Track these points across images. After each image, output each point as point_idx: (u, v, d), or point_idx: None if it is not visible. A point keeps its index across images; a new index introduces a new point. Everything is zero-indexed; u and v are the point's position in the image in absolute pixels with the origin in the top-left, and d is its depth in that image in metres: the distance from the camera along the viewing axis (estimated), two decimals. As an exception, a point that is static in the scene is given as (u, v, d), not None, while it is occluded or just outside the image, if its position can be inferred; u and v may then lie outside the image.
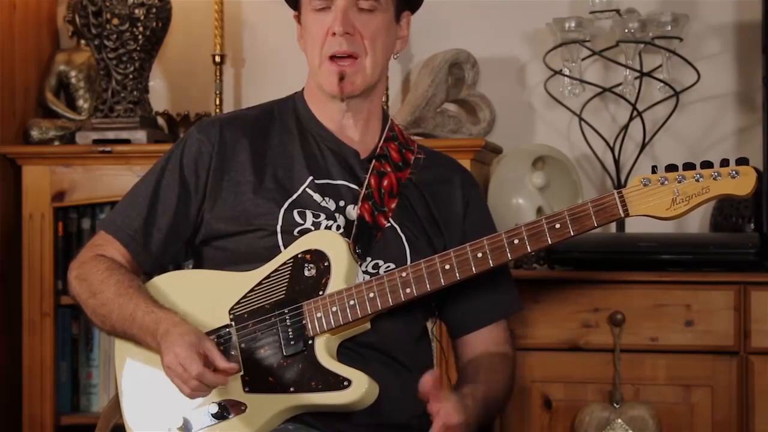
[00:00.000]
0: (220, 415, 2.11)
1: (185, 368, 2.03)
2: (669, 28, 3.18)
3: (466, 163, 2.65)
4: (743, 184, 2.06)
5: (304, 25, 2.24)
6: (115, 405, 2.23)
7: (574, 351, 2.86)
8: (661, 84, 3.22)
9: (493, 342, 2.29)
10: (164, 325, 2.10)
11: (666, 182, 2.07)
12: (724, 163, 2.07)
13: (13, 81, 3.38)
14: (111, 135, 3.26)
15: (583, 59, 3.28)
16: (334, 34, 2.17)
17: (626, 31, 3.19)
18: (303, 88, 2.32)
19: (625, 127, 3.24)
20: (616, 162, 3.23)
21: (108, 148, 3.21)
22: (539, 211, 3.18)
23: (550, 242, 2.10)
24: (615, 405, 2.81)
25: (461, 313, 2.28)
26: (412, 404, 2.22)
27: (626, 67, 3.22)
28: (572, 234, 2.09)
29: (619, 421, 2.79)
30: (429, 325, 2.36)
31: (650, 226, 3.07)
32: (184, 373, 2.04)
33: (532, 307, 2.85)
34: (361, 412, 2.11)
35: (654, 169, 2.09)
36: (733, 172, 2.05)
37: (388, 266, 2.18)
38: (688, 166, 2.07)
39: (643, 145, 3.22)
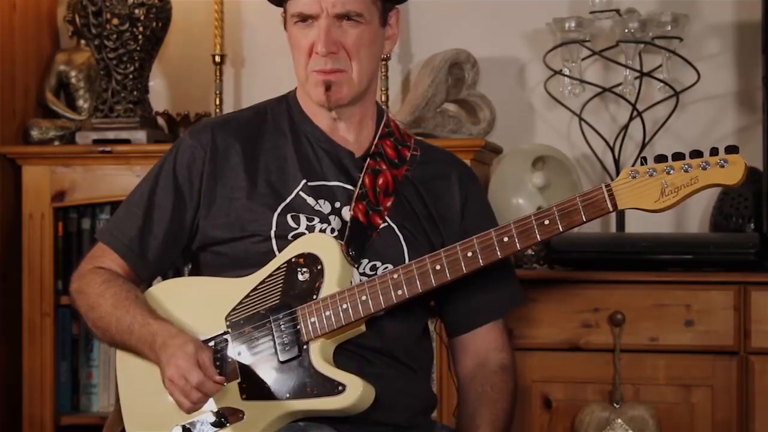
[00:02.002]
0: (218, 423, 2.11)
1: (187, 379, 2.04)
2: (669, 28, 3.18)
3: (465, 163, 2.65)
4: (732, 173, 2.02)
5: (289, 33, 2.22)
6: (118, 414, 2.23)
7: (574, 351, 2.86)
8: (661, 84, 3.22)
9: (491, 347, 2.27)
10: (161, 338, 2.10)
11: (654, 174, 2.04)
12: (714, 152, 2.03)
13: (13, 81, 3.38)
14: (111, 135, 3.26)
15: (583, 59, 3.28)
16: (317, 52, 2.16)
17: (626, 31, 3.19)
18: (296, 88, 2.31)
19: (625, 127, 3.24)
20: (616, 162, 3.23)
21: (108, 148, 3.21)
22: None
23: (539, 239, 2.09)
24: (615, 405, 2.81)
25: (458, 311, 2.27)
26: (416, 403, 2.22)
27: (626, 67, 3.22)
28: (561, 230, 2.08)
29: (619, 421, 2.79)
30: (429, 324, 2.35)
31: (650, 225, 3.08)
32: (186, 384, 2.04)
33: (532, 307, 2.85)
34: (366, 410, 2.10)
35: (643, 161, 2.07)
36: (722, 161, 2.02)
37: (386, 267, 2.17)
38: (677, 157, 2.04)
39: (643, 145, 3.22)
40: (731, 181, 2.03)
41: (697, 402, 2.80)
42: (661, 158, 2.05)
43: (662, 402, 2.81)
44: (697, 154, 2.04)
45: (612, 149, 3.24)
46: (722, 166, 2.02)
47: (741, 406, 2.78)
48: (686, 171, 2.03)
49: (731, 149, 2.03)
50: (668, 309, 2.82)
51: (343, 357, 2.13)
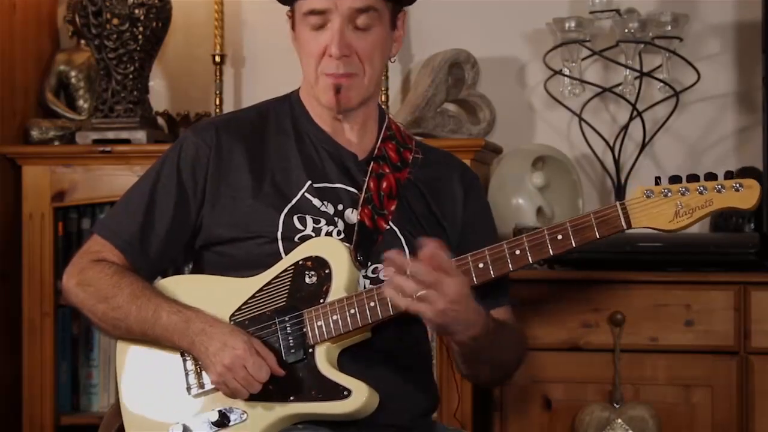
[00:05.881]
0: (220, 423, 2.11)
1: (254, 375, 2.05)
2: (669, 28, 3.18)
3: (466, 164, 2.65)
4: (747, 198, 2.04)
5: (298, 35, 2.21)
6: (117, 411, 2.22)
7: (574, 351, 2.86)
8: (661, 84, 3.22)
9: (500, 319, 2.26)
10: (197, 323, 2.10)
11: (669, 194, 2.06)
12: (728, 175, 2.05)
13: (13, 81, 3.38)
14: (111, 135, 3.26)
15: (583, 59, 3.28)
16: (330, 55, 2.15)
17: (626, 31, 3.19)
18: (299, 88, 2.30)
19: (625, 127, 3.24)
20: (616, 162, 3.23)
21: (108, 148, 3.21)
22: (539, 211, 3.18)
23: (552, 253, 2.08)
24: (615, 405, 2.81)
25: None
26: (417, 403, 2.22)
27: (626, 67, 3.22)
28: (574, 245, 2.08)
29: (619, 421, 2.79)
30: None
31: (650, 226, 3.07)
32: (248, 376, 2.05)
33: (532, 307, 2.85)
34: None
35: (657, 181, 2.07)
36: (737, 185, 2.03)
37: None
38: (692, 178, 2.05)
39: (643, 145, 3.22)
40: (746, 205, 2.04)
41: (697, 402, 2.80)
42: (675, 179, 2.06)
43: (662, 402, 2.81)
44: (711, 176, 2.05)
45: (612, 149, 3.24)
46: (737, 190, 2.04)
47: (741, 406, 2.79)
48: (701, 193, 2.05)
49: (747, 173, 2.04)
50: (668, 309, 2.82)
51: (344, 357, 2.13)
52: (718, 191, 2.04)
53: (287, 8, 2.24)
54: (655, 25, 3.19)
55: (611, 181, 3.26)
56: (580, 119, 3.26)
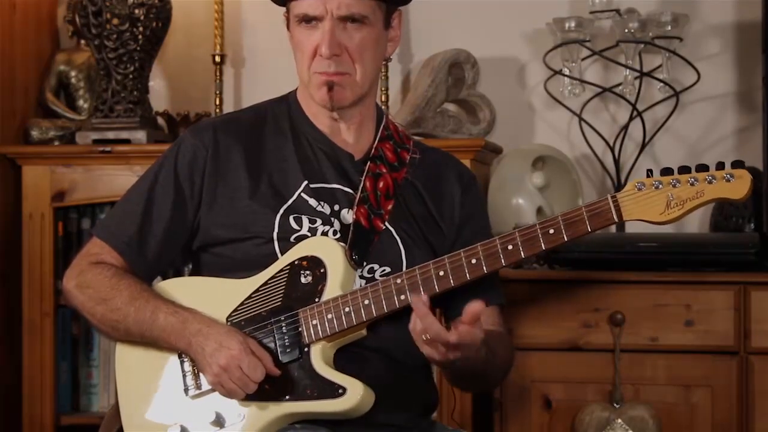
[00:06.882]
0: (217, 423, 2.12)
1: (249, 375, 2.05)
2: (669, 28, 3.18)
3: (466, 164, 2.65)
4: (738, 188, 2.04)
5: (292, 34, 2.23)
6: (117, 411, 2.23)
7: (574, 351, 2.85)
8: (661, 84, 3.22)
9: (489, 323, 2.25)
10: (194, 324, 2.11)
11: (660, 186, 2.06)
12: (720, 166, 2.05)
13: (13, 81, 3.38)
14: (111, 135, 3.26)
15: (583, 59, 3.28)
16: (321, 54, 2.15)
17: (626, 31, 3.19)
18: (297, 88, 2.31)
19: (625, 127, 3.24)
20: (616, 162, 3.23)
21: (108, 148, 3.21)
22: (539, 211, 3.18)
23: (544, 248, 2.09)
24: (615, 405, 2.81)
25: (457, 296, 2.24)
26: (416, 403, 2.22)
27: (626, 67, 3.22)
28: (566, 239, 2.08)
29: (619, 421, 2.79)
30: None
31: (650, 226, 3.08)
32: (244, 376, 2.06)
33: (533, 307, 2.85)
34: (366, 412, 2.10)
35: (649, 173, 2.08)
36: (728, 176, 2.04)
37: (383, 270, 2.17)
38: (683, 170, 2.06)
39: (643, 145, 3.22)
40: (737, 195, 2.04)
41: (697, 402, 2.80)
42: (667, 171, 2.07)
43: (662, 402, 2.81)
44: (703, 167, 2.05)
45: (612, 149, 3.24)
46: (728, 181, 2.04)
47: (741, 406, 2.78)
48: (692, 184, 2.05)
49: (737, 164, 2.04)
50: (668, 309, 2.82)
51: (342, 357, 2.13)
52: (709, 182, 2.04)
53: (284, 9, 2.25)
54: (655, 25, 3.19)
55: (611, 181, 3.26)
56: (580, 119, 3.27)
